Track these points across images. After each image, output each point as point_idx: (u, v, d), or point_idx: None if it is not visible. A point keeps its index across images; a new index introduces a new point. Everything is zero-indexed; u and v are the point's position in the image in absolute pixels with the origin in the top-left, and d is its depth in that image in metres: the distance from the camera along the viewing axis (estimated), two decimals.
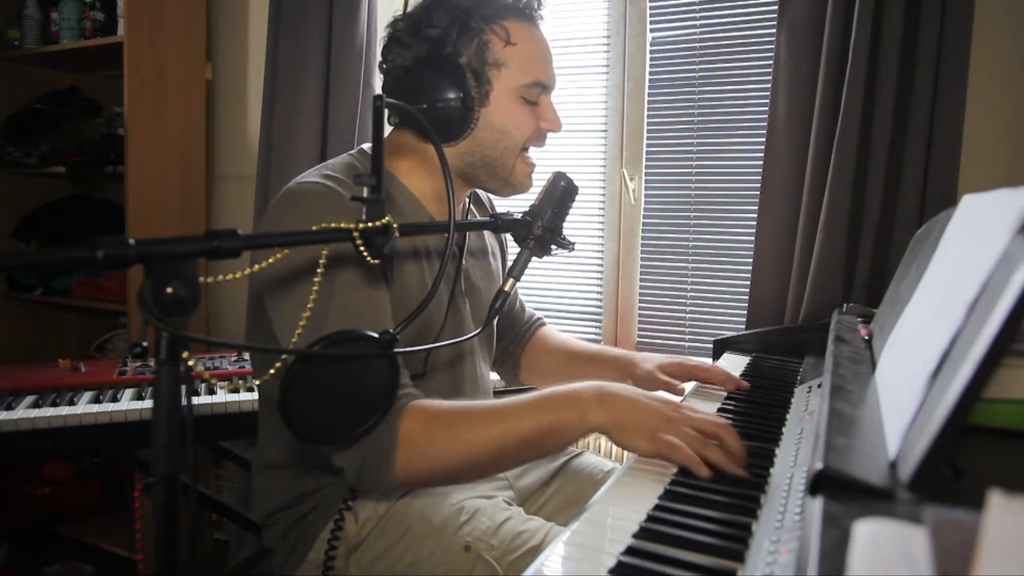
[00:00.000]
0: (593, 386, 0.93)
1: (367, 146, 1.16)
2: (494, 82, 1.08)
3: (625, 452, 1.99)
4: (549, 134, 1.16)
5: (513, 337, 1.45)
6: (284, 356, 0.78)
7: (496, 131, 1.10)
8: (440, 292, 1.12)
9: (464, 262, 1.20)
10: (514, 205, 1.91)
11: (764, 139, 1.66)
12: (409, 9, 1.13)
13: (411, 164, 1.14)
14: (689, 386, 1.28)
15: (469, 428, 0.93)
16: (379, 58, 1.14)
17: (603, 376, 1.38)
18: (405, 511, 1.04)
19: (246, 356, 1.82)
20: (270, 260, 0.75)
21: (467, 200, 1.27)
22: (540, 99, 1.13)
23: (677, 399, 1.03)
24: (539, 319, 1.49)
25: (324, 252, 0.79)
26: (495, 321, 1.12)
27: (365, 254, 0.76)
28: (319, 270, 0.78)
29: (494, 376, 1.62)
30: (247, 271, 0.75)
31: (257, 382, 1.04)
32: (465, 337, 1.05)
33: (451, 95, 1.05)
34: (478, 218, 1.30)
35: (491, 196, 1.37)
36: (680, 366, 1.27)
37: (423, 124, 0.92)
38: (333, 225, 0.75)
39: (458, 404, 0.97)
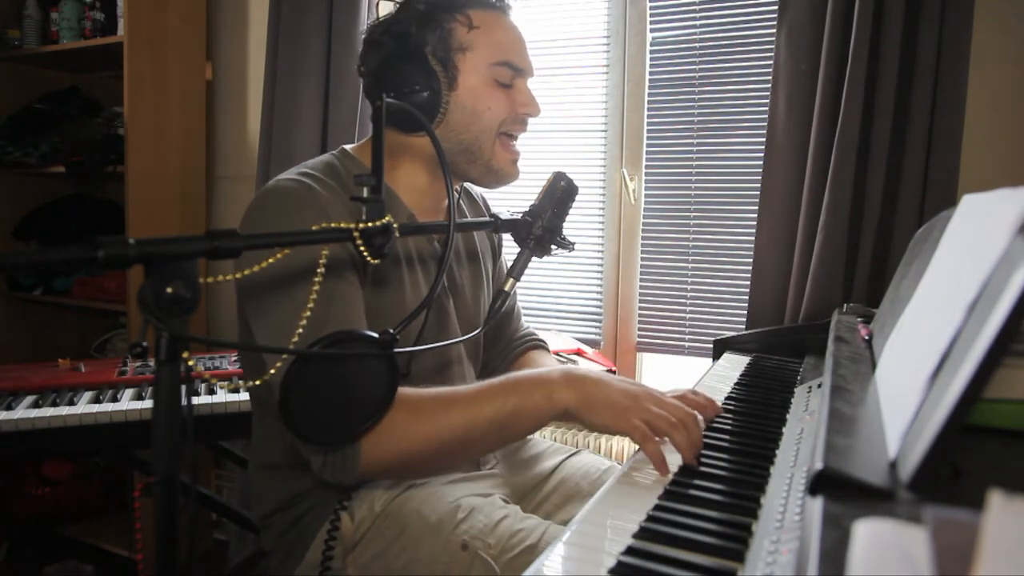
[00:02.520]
0: (559, 368, 0.95)
1: (349, 147, 1.16)
2: (460, 65, 1.08)
3: (624, 452, 1.99)
4: (536, 123, 1.16)
5: (501, 350, 1.38)
6: (284, 357, 0.78)
7: (467, 113, 1.09)
8: (423, 290, 1.12)
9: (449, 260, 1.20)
10: (514, 205, 1.91)
11: (764, 139, 1.66)
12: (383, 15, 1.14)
13: (395, 163, 1.14)
14: (690, 383, 1.27)
15: (434, 411, 0.93)
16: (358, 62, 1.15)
17: None
18: (401, 510, 1.04)
19: None
20: (270, 260, 0.75)
21: (457, 195, 1.27)
22: (515, 83, 1.12)
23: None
24: (534, 340, 1.39)
25: (324, 252, 0.79)
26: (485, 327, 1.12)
27: (365, 254, 0.76)
28: (320, 270, 0.78)
29: None
30: (245, 271, 0.75)
31: (257, 382, 1.03)
32: (464, 337, 1.05)
33: (418, 82, 1.06)
34: (469, 219, 1.30)
35: (485, 196, 1.37)
36: None
37: (417, 117, 0.92)
38: (334, 225, 0.75)
39: (424, 390, 0.97)
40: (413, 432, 0.93)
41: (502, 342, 1.39)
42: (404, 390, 0.95)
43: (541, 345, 1.40)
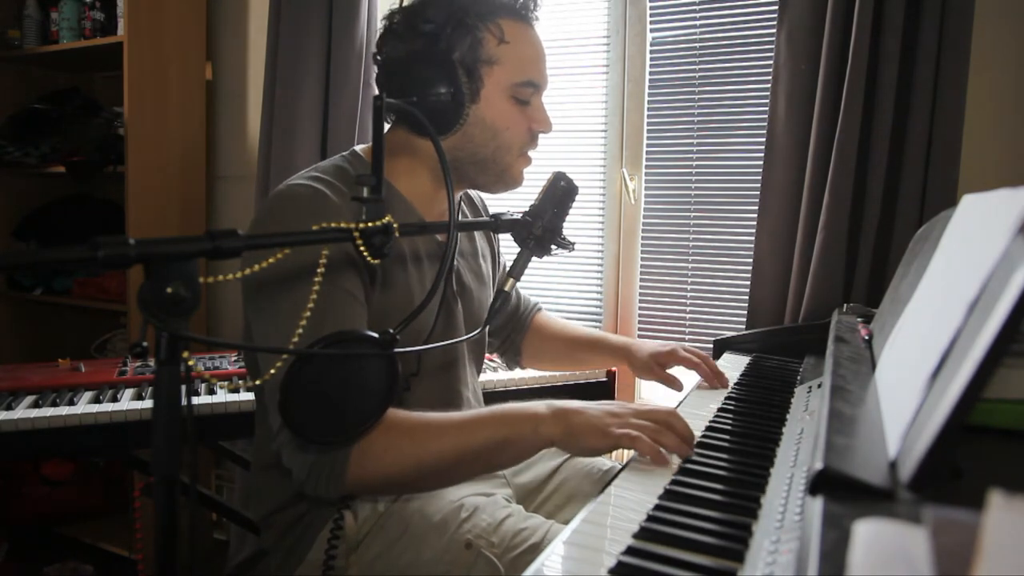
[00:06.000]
0: (545, 403, 0.97)
1: (359, 148, 1.16)
2: (486, 79, 1.08)
3: (625, 453, 1.99)
4: (543, 135, 1.16)
5: (514, 326, 1.47)
6: (284, 356, 0.78)
7: (487, 129, 1.09)
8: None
9: (456, 262, 1.20)
10: (514, 205, 1.91)
11: (764, 139, 1.66)
12: (406, 2, 1.11)
13: (402, 164, 1.13)
14: (689, 385, 1.28)
15: (425, 437, 0.94)
16: (374, 49, 1.14)
17: (602, 362, 1.51)
18: (404, 509, 1.04)
19: None
20: (270, 260, 0.74)
21: (459, 200, 1.27)
22: (532, 100, 1.13)
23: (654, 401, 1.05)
24: (536, 305, 1.51)
25: (325, 252, 0.79)
26: (487, 326, 1.12)
27: (365, 254, 0.76)
28: (319, 270, 0.78)
29: (494, 371, 1.64)
30: (246, 271, 0.75)
31: (257, 382, 1.03)
32: (466, 336, 1.05)
33: (442, 89, 1.05)
34: (470, 219, 1.30)
35: (484, 199, 1.38)
36: (672, 355, 1.31)
37: (420, 120, 0.91)
38: (333, 225, 0.75)
39: (417, 414, 0.97)
40: (404, 454, 0.93)
41: (514, 320, 1.47)
42: (399, 412, 0.96)
43: (540, 308, 1.52)
